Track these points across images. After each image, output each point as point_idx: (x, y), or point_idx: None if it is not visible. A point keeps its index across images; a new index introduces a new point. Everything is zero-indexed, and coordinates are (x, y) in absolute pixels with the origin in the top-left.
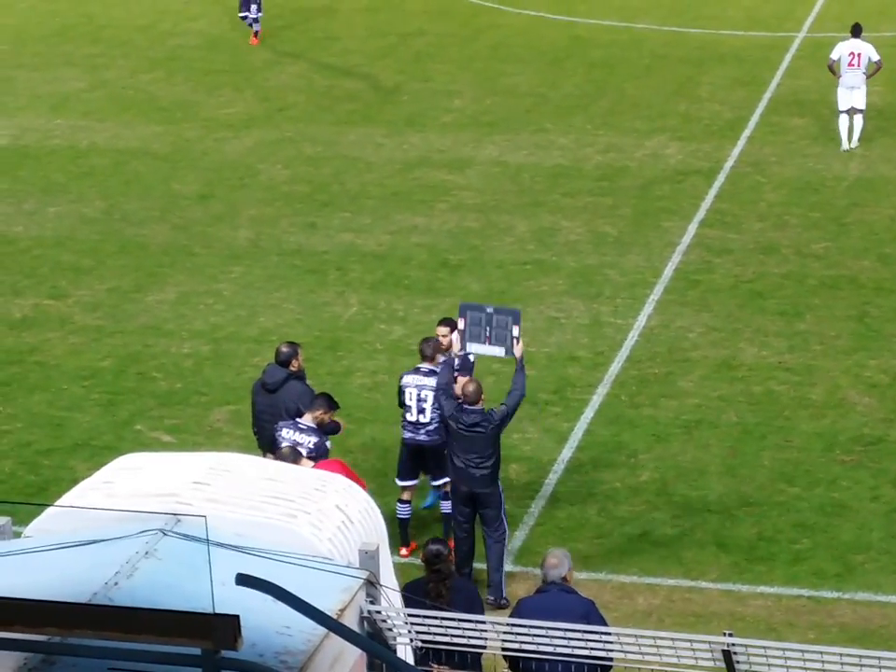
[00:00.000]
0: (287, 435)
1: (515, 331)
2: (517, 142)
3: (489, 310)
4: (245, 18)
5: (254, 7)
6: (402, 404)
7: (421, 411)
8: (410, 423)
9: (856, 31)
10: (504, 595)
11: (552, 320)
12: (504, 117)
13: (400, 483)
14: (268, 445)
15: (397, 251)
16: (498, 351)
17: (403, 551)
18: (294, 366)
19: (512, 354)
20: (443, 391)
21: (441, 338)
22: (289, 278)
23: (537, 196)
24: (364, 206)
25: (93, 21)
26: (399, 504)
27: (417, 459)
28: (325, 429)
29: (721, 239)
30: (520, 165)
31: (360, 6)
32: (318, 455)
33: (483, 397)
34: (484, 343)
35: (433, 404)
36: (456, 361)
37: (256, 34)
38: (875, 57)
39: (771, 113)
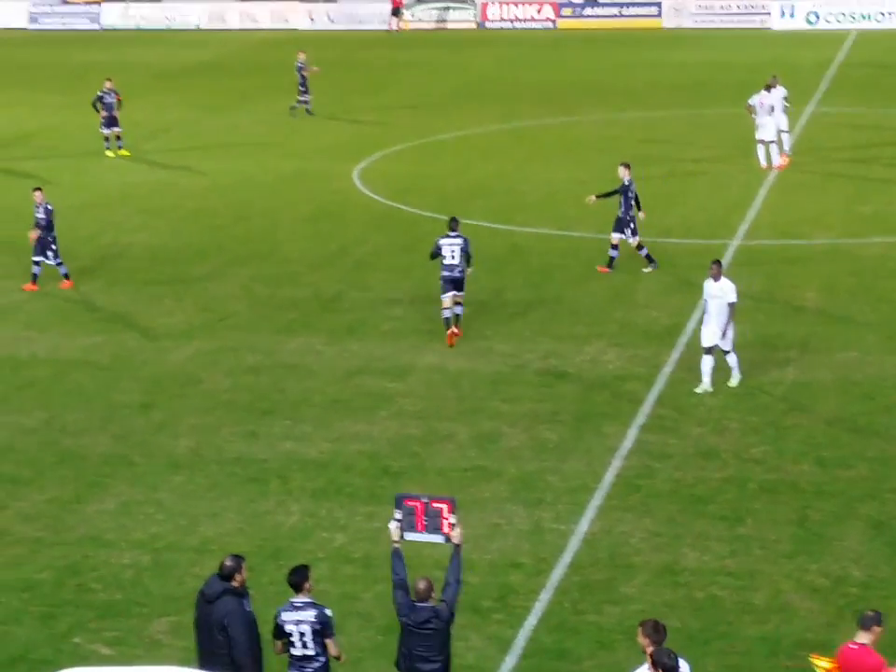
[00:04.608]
0: (287, 618)
1: (452, 518)
2: (457, 349)
3: (424, 499)
4: (38, 263)
5: (50, 253)
6: (440, 255)
7: (453, 258)
8: (447, 266)
9: None
10: None
11: (493, 526)
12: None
13: (445, 296)
14: (201, 654)
15: (338, 459)
16: (437, 538)
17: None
18: (237, 580)
19: (449, 541)
20: (397, 585)
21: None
22: (230, 487)
23: (477, 402)
24: (305, 414)
25: None
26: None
27: (451, 284)
28: None
29: (661, 444)
30: (460, 371)
31: (302, 215)
32: (324, 626)
33: (433, 594)
34: (422, 531)
35: (459, 258)
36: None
37: (66, 276)
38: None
39: None
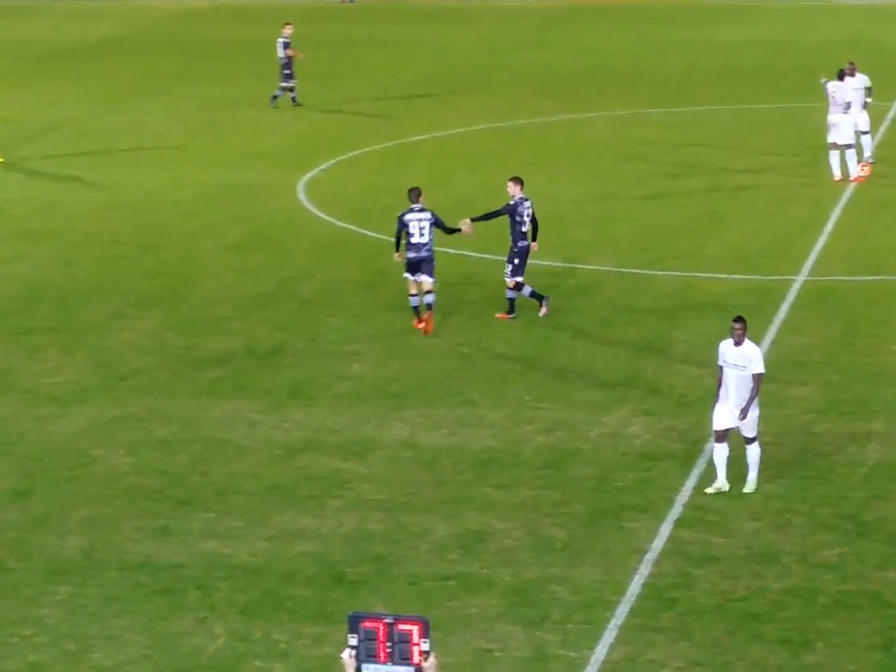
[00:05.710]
0: None
1: (425, 644)
2: (434, 418)
3: (388, 619)
4: None
5: None
6: (408, 234)
7: (422, 235)
8: (413, 244)
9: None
10: None
11: (482, 653)
12: (416, 385)
13: (410, 278)
14: None
15: (277, 563)
16: (404, 671)
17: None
18: None
19: None
20: None
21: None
22: (134, 601)
23: (461, 489)
24: (233, 504)
25: None
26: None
27: (417, 266)
28: None
29: (704, 544)
30: (438, 449)
31: (230, 242)
32: None
33: None
34: (385, 662)
35: (429, 235)
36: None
37: None
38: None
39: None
